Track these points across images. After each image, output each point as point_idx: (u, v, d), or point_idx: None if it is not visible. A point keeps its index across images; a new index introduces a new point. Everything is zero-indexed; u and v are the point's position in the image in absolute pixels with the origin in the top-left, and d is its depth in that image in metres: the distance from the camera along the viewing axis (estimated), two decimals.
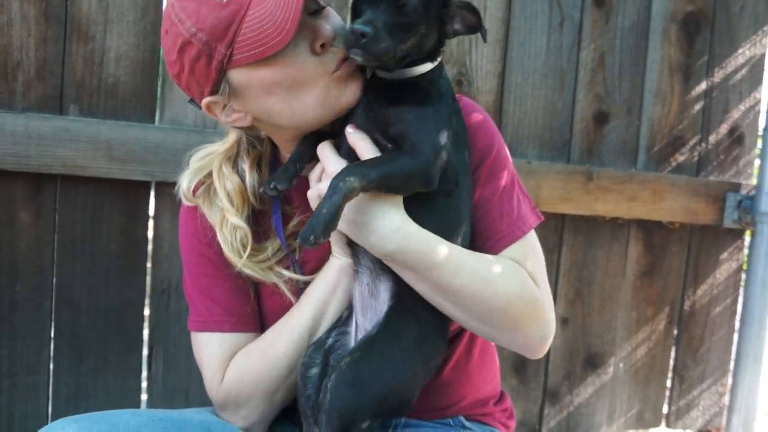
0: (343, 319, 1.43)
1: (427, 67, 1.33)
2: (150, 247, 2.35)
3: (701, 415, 2.99)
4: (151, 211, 2.34)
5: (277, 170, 1.40)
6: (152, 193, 2.32)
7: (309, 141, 1.40)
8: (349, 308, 1.42)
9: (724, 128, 2.83)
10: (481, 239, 1.43)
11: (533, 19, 2.57)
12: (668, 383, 2.93)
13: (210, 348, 1.53)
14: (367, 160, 1.25)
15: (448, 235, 1.34)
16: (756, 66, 2.84)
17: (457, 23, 1.32)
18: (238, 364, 1.50)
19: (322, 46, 1.30)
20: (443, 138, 1.29)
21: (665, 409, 2.95)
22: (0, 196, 2.18)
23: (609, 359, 2.82)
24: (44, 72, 2.18)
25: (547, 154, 2.63)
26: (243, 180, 1.50)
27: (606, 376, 2.82)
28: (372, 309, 1.37)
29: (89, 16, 2.19)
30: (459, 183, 1.35)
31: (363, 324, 1.38)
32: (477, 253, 1.38)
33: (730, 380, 2.95)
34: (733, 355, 2.96)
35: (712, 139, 2.82)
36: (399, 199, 1.30)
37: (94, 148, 2.16)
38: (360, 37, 1.20)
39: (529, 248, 1.45)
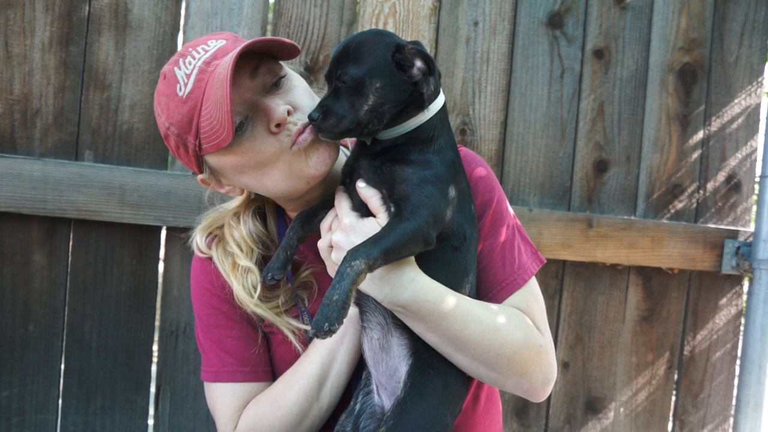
0: (364, 379, 1.47)
1: (420, 118, 1.35)
2: (159, 289, 2.40)
3: None
4: (161, 255, 2.41)
5: (270, 260, 1.45)
6: (163, 237, 2.38)
7: (298, 225, 1.45)
8: (367, 367, 1.46)
9: (721, 176, 2.88)
10: (485, 288, 1.49)
11: (535, 71, 2.65)
12: (669, 428, 2.94)
13: (223, 398, 1.57)
14: (371, 238, 1.27)
15: (456, 286, 1.39)
16: (752, 115, 2.90)
17: (418, 62, 1.32)
18: (251, 413, 1.54)
19: (278, 125, 1.37)
20: (444, 199, 1.34)
21: None
22: (16, 239, 2.25)
23: (609, 404, 2.83)
24: (61, 119, 2.27)
25: (548, 201, 2.69)
26: (248, 229, 1.59)
27: (606, 420, 2.84)
28: (384, 363, 1.41)
29: (106, 65, 2.29)
30: (467, 236, 1.40)
31: (378, 378, 1.43)
32: (484, 303, 1.43)
33: (731, 425, 2.95)
34: (734, 401, 2.96)
35: (709, 186, 2.87)
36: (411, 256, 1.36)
37: (107, 194, 2.24)
38: (314, 121, 1.33)
39: (531, 295, 1.51)
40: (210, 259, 1.61)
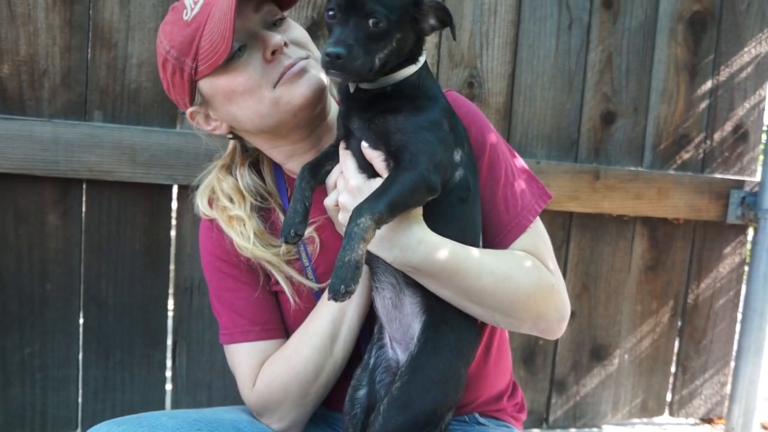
0: (377, 333, 1.49)
1: (410, 70, 1.34)
2: (173, 247, 2.44)
3: (703, 404, 3.08)
4: (174, 213, 2.43)
5: (287, 215, 1.39)
6: (174, 196, 2.40)
7: (308, 175, 1.42)
8: (379, 321, 1.48)
9: (728, 126, 2.88)
10: (491, 234, 1.49)
11: (542, 22, 2.62)
12: (671, 373, 3.02)
13: (239, 358, 1.62)
14: (373, 193, 1.25)
15: (466, 239, 1.38)
16: (761, 64, 2.88)
17: (431, 19, 1.31)
18: (267, 372, 1.58)
19: (273, 53, 1.43)
20: (442, 143, 1.31)
21: (668, 399, 3.04)
22: (30, 200, 2.28)
23: (614, 351, 2.90)
24: (69, 79, 2.26)
25: (556, 153, 2.70)
26: (238, 180, 1.63)
27: (611, 367, 2.91)
28: (397, 320, 1.43)
29: (111, 24, 2.27)
30: (471, 186, 1.39)
31: (392, 333, 1.45)
32: (494, 252, 1.43)
33: (731, 370, 3.04)
34: (735, 346, 3.03)
35: (716, 136, 2.87)
36: (418, 212, 1.35)
37: (118, 154, 2.25)
38: (335, 59, 1.20)
39: (537, 235, 1.50)
40: (213, 221, 1.64)
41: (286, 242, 1.34)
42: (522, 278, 1.41)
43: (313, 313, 1.56)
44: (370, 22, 1.23)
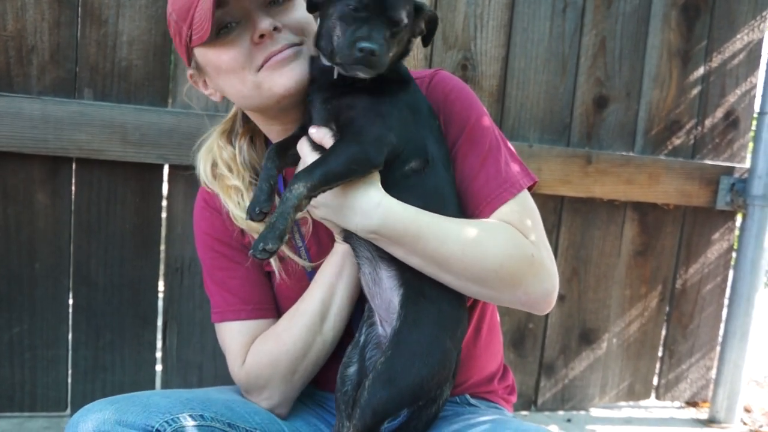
0: (367, 311, 1.50)
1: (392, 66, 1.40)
2: (163, 227, 2.42)
3: (689, 388, 3.12)
4: (164, 192, 2.41)
5: (254, 194, 1.42)
6: (165, 176, 2.38)
7: (274, 155, 1.45)
8: (368, 300, 1.48)
9: (719, 112, 2.89)
10: (471, 206, 1.46)
11: (537, 5, 2.61)
12: (659, 358, 3.05)
13: (230, 336, 1.62)
14: (311, 163, 1.30)
15: (431, 209, 1.37)
16: (753, 51, 2.89)
17: (422, 23, 1.41)
18: (257, 349, 1.59)
19: (261, 37, 1.40)
20: (394, 119, 1.35)
21: (655, 382, 3.08)
22: (18, 178, 2.25)
23: (603, 335, 2.93)
24: (58, 56, 2.23)
25: (548, 137, 2.70)
26: (236, 153, 1.62)
27: (600, 350, 2.94)
28: (378, 296, 1.44)
29: (102, 0, 2.23)
30: (429, 159, 1.39)
31: (377, 310, 1.46)
32: (462, 219, 1.41)
33: (717, 355, 3.07)
34: (721, 331, 3.07)
35: (708, 122, 2.89)
36: (375, 178, 1.35)
37: (109, 132, 2.23)
38: (370, 54, 1.25)
39: (522, 208, 1.46)
40: (207, 202, 1.63)
41: (251, 219, 1.37)
42: (492, 245, 1.37)
43: (306, 293, 1.57)
44: (395, 24, 1.29)
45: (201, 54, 1.47)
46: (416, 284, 1.39)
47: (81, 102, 2.23)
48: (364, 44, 1.24)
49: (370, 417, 1.32)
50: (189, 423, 1.36)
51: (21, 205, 2.27)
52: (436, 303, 1.39)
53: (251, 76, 1.42)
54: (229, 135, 1.65)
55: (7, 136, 2.16)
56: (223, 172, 1.59)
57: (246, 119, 1.65)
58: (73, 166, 2.28)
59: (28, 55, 2.20)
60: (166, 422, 1.33)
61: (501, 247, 1.38)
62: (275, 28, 1.40)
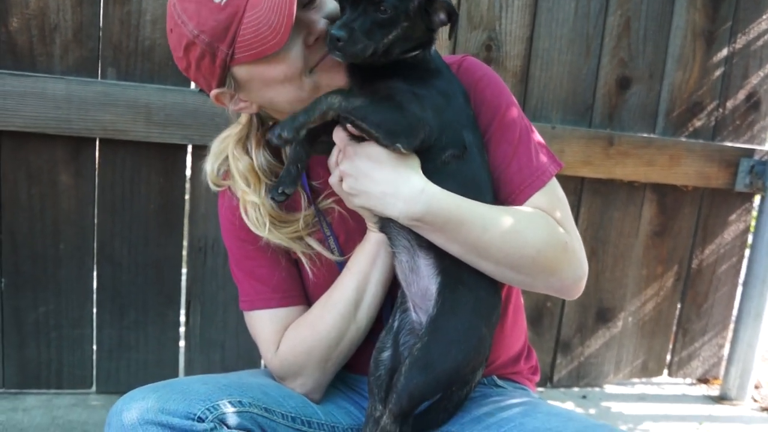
0: (400, 297, 1.51)
1: (420, 56, 1.38)
2: (187, 207, 2.42)
3: (701, 365, 3.16)
4: (188, 172, 2.41)
5: (280, 175, 1.44)
6: (189, 156, 2.37)
7: (305, 141, 1.43)
8: (402, 287, 1.49)
9: (741, 94, 2.88)
10: (504, 194, 1.48)
11: None
12: (672, 336, 3.09)
13: (261, 324, 1.63)
14: (353, 93, 1.31)
15: (469, 196, 1.38)
16: None
17: (442, 14, 1.36)
18: (291, 336, 1.60)
19: (316, 39, 1.38)
20: (427, 101, 1.35)
21: (668, 360, 3.12)
22: (42, 159, 2.24)
23: (619, 313, 2.96)
24: (81, 35, 2.20)
25: (570, 118, 2.68)
26: (253, 159, 1.58)
27: (615, 329, 2.97)
28: (415, 284, 1.45)
29: None
30: (467, 144, 1.40)
31: (413, 298, 1.47)
32: (501, 207, 1.43)
33: (730, 334, 3.11)
34: (734, 311, 3.10)
35: (729, 104, 2.87)
36: (416, 165, 1.36)
37: (134, 113, 2.21)
38: (336, 41, 1.26)
39: (553, 195, 1.49)
40: (231, 188, 1.62)
41: (273, 200, 1.43)
42: (531, 233, 1.39)
43: (338, 280, 1.57)
44: (380, 8, 1.28)
45: (245, 70, 1.39)
46: (454, 272, 1.40)
47: (105, 82, 2.21)
48: (332, 30, 1.28)
49: (407, 401, 1.35)
50: (229, 410, 1.37)
51: (45, 185, 2.26)
52: (473, 290, 1.41)
53: (308, 78, 1.39)
54: (245, 143, 1.61)
55: (30, 117, 2.14)
56: (241, 186, 1.56)
57: (261, 123, 1.60)
58: (97, 146, 2.27)
59: (51, 33, 2.17)
60: (207, 409, 1.34)
61: (539, 234, 1.40)
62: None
